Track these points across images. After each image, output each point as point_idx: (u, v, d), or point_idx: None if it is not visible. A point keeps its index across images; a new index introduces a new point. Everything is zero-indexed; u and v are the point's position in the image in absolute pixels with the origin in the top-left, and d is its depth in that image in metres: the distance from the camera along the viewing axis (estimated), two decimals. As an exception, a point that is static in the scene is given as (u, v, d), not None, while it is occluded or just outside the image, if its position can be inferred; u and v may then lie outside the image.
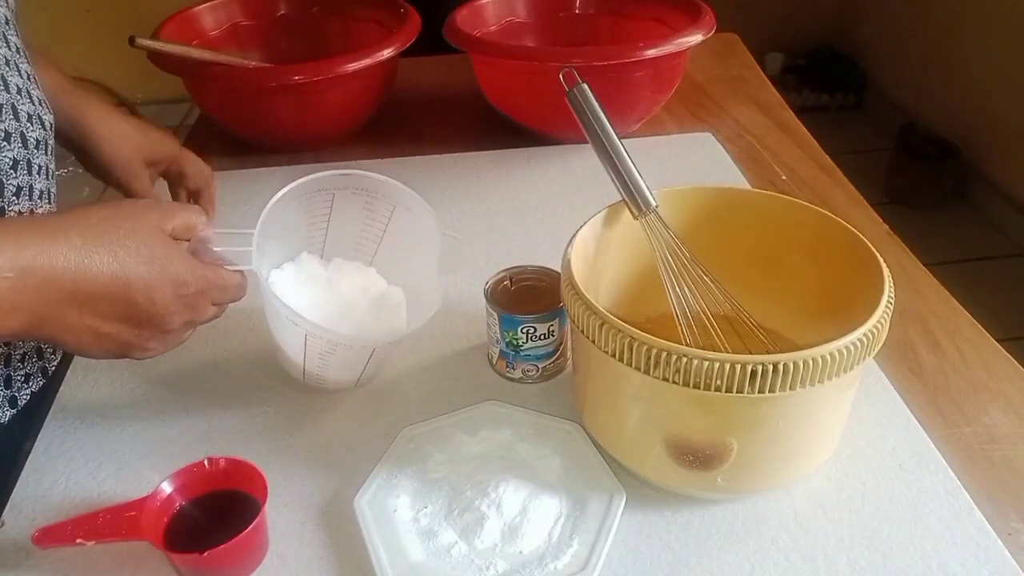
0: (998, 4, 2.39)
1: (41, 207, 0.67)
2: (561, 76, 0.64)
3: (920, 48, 2.78)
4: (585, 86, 0.63)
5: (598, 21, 1.18)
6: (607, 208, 0.65)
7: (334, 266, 0.72)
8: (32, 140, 0.65)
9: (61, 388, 0.71)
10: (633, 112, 1.07)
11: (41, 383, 0.71)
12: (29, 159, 0.64)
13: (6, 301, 0.48)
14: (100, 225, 0.52)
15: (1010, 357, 0.73)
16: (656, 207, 0.63)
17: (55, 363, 0.73)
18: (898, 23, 2.89)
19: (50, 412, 0.68)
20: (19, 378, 0.68)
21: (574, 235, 0.61)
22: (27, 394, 0.69)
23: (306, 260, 0.70)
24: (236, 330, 0.76)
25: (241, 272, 0.59)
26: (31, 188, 0.65)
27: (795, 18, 3.13)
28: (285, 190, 0.64)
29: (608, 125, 0.62)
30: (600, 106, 0.62)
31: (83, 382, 0.72)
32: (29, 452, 0.65)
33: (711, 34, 1.00)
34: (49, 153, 0.69)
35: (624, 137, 0.63)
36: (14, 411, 0.68)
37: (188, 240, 0.57)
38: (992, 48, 2.44)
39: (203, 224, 0.58)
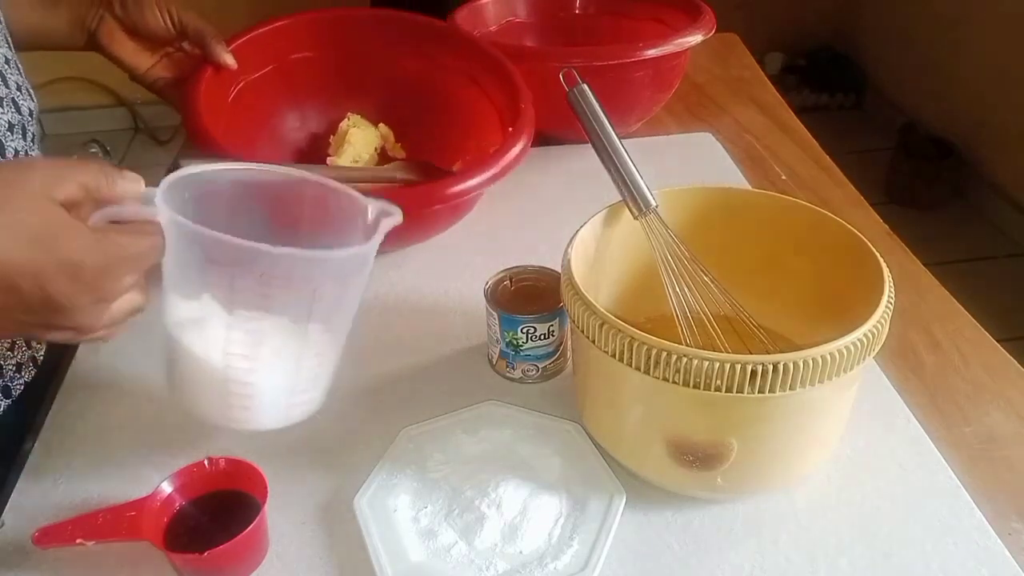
0: (998, 4, 2.39)
1: None
2: (561, 76, 0.64)
3: (920, 48, 2.78)
4: (585, 86, 0.63)
5: (598, 21, 1.18)
6: (607, 208, 0.65)
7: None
8: (3, 123, 0.65)
9: (61, 388, 0.71)
10: (633, 112, 1.06)
11: (33, 372, 0.71)
12: (1, 141, 0.64)
13: None
14: None
15: (1010, 357, 0.73)
16: (656, 207, 0.63)
17: (42, 352, 0.73)
18: (898, 23, 2.88)
19: (50, 412, 0.68)
20: (10, 367, 0.68)
21: (574, 235, 0.61)
22: (20, 384, 0.69)
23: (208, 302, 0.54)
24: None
25: (152, 234, 0.48)
26: None
27: (795, 18, 3.13)
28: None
29: (608, 125, 0.62)
30: (600, 106, 0.62)
31: (83, 382, 0.72)
32: (29, 452, 0.65)
33: (711, 34, 1.00)
34: (28, 139, 0.69)
35: (624, 137, 0.63)
36: (8, 401, 0.68)
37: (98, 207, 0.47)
38: (992, 48, 2.44)
39: (107, 184, 0.47)
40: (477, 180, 0.76)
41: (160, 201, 0.48)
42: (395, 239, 0.85)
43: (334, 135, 0.96)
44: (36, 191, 0.44)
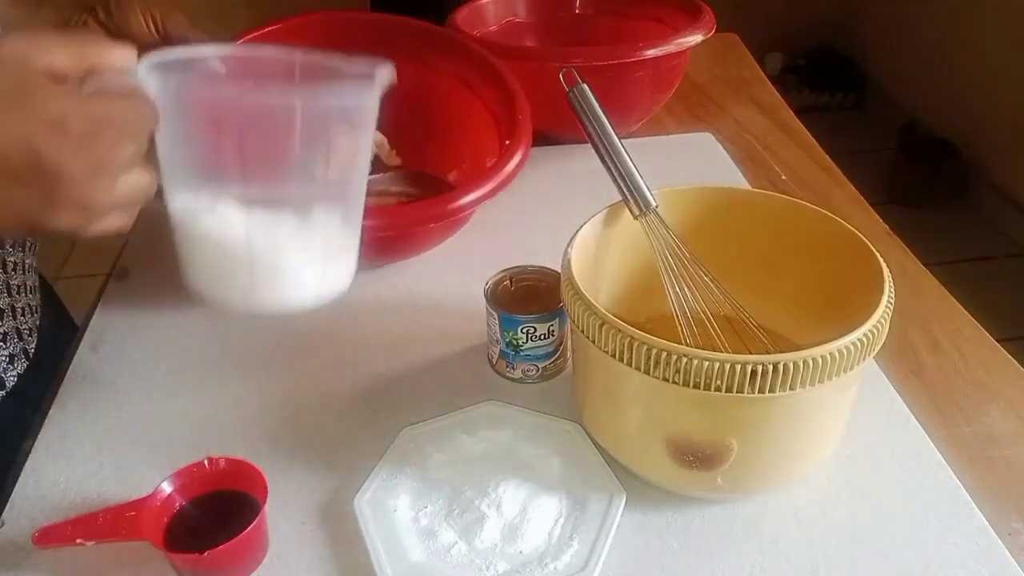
0: (998, 4, 2.39)
1: None
2: (561, 76, 0.64)
3: (920, 48, 2.78)
4: (585, 86, 0.63)
5: (598, 21, 1.18)
6: (607, 208, 0.65)
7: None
8: None
9: (61, 388, 0.71)
10: (633, 112, 1.06)
11: (25, 364, 0.71)
12: None
13: None
14: None
15: (1010, 357, 0.73)
16: (656, 207, 0.63)
17: (34, 344, 0.73)
18: (898, 23, 2.89)
19: (50, 412, 0.69)
20: (3, 358, 0.68)
21: (574, 235, 0.61)
22: (13, 376, 0.69)
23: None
24: (237, 329, 0.76)
25: (141, 102, 0.44)
26: None
27: (795, 18, 3.13)
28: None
29: (608, 125, 0.62)
30: (600, 106, 0.62)
31: (83, 382, 0.72)
32: (29, 452, 0.65)
33: (711, 34, 1.00)
34: None
35: (624, 137, 0.63)
36: (2, 393, 0.68)
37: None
38: (992, 48, 2.44)
39: (95, 52, 0.43)
40: (475, 195, 0.75)
41: (147, 69, 0.44)
42: (393, 253, 0.85)
43: None
44: (11, 57, 0.41)
